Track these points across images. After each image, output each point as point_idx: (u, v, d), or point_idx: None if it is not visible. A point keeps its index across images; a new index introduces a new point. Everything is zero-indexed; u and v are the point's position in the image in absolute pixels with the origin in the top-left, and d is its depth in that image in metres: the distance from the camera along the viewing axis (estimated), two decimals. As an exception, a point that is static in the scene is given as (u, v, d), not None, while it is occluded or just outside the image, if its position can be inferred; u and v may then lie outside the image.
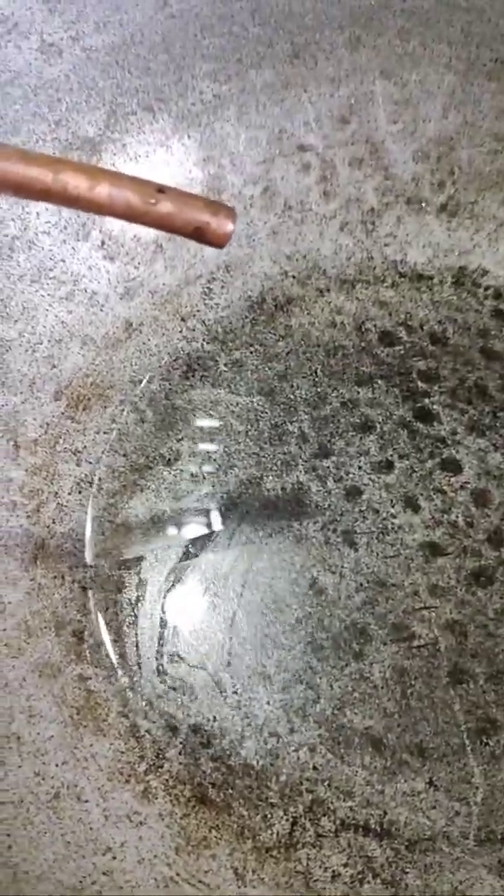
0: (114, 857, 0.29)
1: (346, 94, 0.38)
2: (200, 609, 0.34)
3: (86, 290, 0.37)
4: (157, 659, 0.33)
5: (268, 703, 0.32)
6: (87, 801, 0.30)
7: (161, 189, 0.24)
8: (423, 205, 0.39)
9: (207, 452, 0.36)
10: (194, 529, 0.35)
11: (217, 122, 0.38)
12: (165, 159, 0.37)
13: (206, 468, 0.36)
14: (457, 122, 0.38)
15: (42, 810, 0.29)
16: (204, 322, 0.38)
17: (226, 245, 0.25)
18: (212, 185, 0.38)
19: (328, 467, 0.36)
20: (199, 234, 0.24)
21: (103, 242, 0.37)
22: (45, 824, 0.29)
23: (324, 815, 0.31)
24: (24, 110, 0.35)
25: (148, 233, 0.37)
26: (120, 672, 0.33)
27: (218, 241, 0.25)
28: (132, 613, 0.34)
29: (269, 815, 0.31)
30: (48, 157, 0.23)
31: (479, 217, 0.39)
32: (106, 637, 0.33)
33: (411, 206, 0.39)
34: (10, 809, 0.28)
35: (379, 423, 0.37)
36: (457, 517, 0.35)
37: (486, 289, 0.39)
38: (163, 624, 0.33)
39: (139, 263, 0.38)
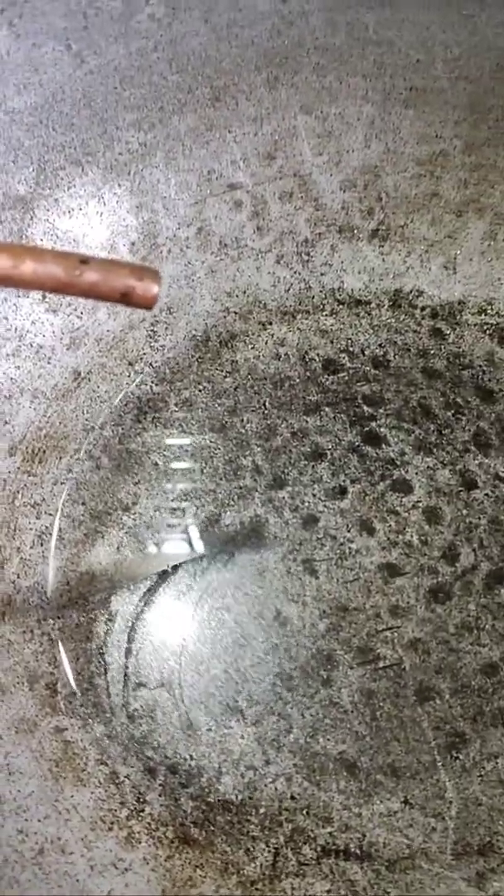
0: (101, 907, 0.29)
1: (270, 132, 0.39)
2: (167, 650, 0.34)
3: (31, 345, 0.38)
4: (127, 705, 0.34)
5: (242, 737, 0.33)
6: (71, 853, 0.30)
7: (84, 260, 0.25)
8: (355, 232, 0.40)
9: (164, 493, 0.37)
10: (157, 571, 0.36)
11: (146, 169, 0.38)
12: (98, 210, 0.38)
13: (164, 509, 0.37)
14: (379, 150, 0.39)
15: (27, 867, 0.29)
16: (151, 364, 0.39)
17: (153, 307, 0.25)
18: (147, 231, 0.39)
19: (283, 498, 0.37)
20: (127, 299, 0.25)
21: (44, 296, 0.38)
22: (31, 881, 0.29)
23: (305, 844, 0.31)
24: (-47, 176, 0.35)
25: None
26: (95, 720, 0.33)
27: (145, 304, 0.25)
28: (101, 661, 0.34)
29: (251, 849, 0.31)
30: (-29, 240, 0.24)
31: (410, 239, 0.40)
32: (77, 687, 0.34)
33: (343, 234, 0.40)
34: (-6, 871, 0.29)
35: (329, 450, 0.38)
36: (411, 536, 0.36)
37: (423, 309, 0.40)
38: (130, 669, 0.34)
39: (82, 313, 0.38)
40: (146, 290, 0.25)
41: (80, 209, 0.38)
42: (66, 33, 0.35)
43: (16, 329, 0.38)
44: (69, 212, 0.38)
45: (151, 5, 0.35)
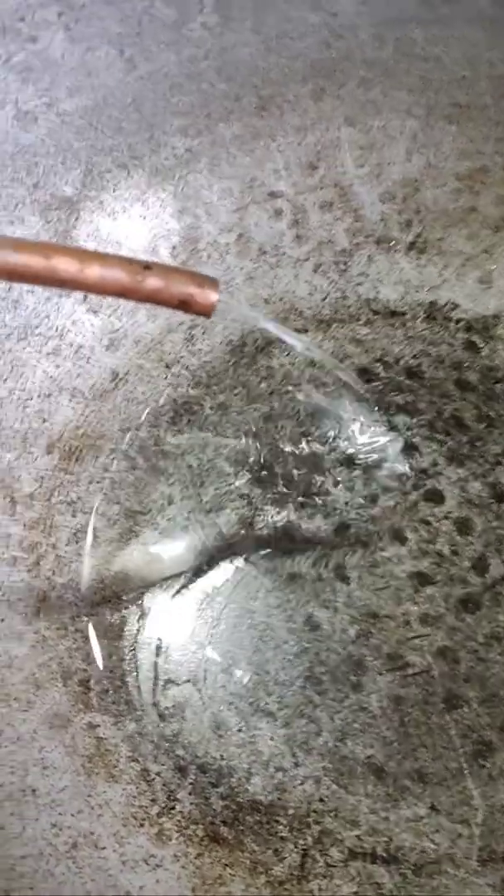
0: (133, 902, 0.30)
1: (313, 142, 0.39)
2: (199, 652, 0.35)
3: (71, 344, 0.38)
4: (158, 703, 0.34)
5: (271, 738, 0.33)
6: (104, 848, 0.31)
7: (148, 266, 0.25)
8: (393, 244, 0.41)
9: (198, 496, 0.37)
10: (190, 571, 0.36)
11: (190, 175, 0.39)
12: (142, 213, 0.39)
13: (198, 511, 0.37)
14: (420, 164, 0.40)
15: (62, 861, 0.30)
16: (188, 368, 0.40)
17: (211, 314, 0.26)
18: (188, 235, 0.39)
19: (316, 504, 0.37)
20: (185, 306, 0.26)
21: (85, 297, 0.38)
22: (65, 874, 0.30)
23: (332, 846, 0.32)
24: (2, 176, 0.36)
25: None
26: (127, 718, 0.34)
27: (204, 311, 0.26)
28: (133, 659, 0.35)
29: (279, 849, 0.32)
30: (40, 243, 0.24)
31: (447, 253, 0.40)
32: (111, 684, 0.34)
33: (381, 246, 0.41)
34: (30, 863, 0.29)
35: (362, 458, 0.38)
36: (442, 546, 0.36)
37: (458, 322, 0.40)
38: (161, 667, 0.35)
39: (122, 314, 0.39)
40: (205, 297, 0.26)
41: (124, 211, 0.38)
42: (120, 39, 0.35)
43: (57, 328, 0.38)
44: (113, 214, 0.38)
45: (204, 14, 0.36)
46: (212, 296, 0.26)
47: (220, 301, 0.26)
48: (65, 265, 0.24)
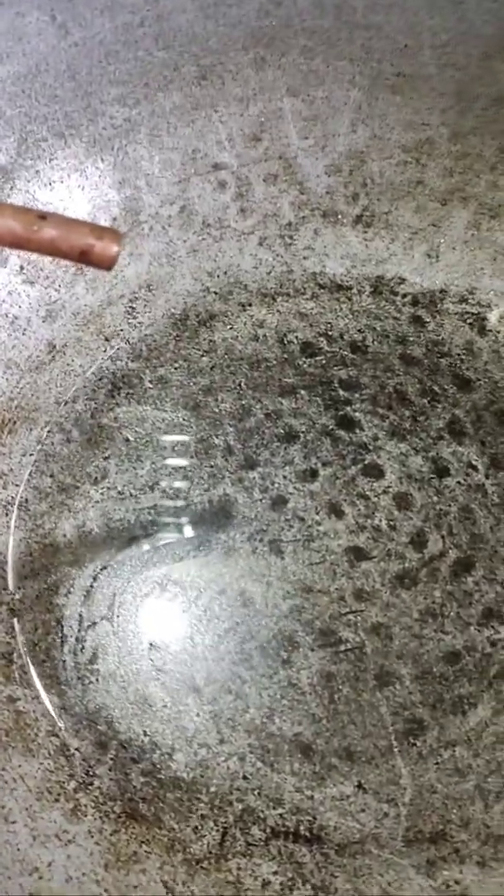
0: (41, 877, 0.29)
1: (256, 113, 0.39)
2: (128, 625, 0.34)
3: (7, 315, 0.38)
4: (83, 678, 0.33)
5: (197, 714, 0.32)
6: (14, 822, 0.30)
7: (43, 216, 0.24)
8: (339, 217, 0.40)
9: (134, 469, 0.37)
10: (122, 546, 0.35)
11: (130, 146, 0.38)
12: (80, 184, 0.38)
13: (133, 485, 0.36)
14: (365, 136, 0.39)
15: (-32, 834, 0.29)
16: (128, 340, 0.39)
17: (112, 267, 0.25)
18: (129, 207, 0.39)
19: (254, 478, 0.36)
20: (86, 258, 0.25)
21: (22, 267, 0.38)
22: (-29, 848, 0.29)
23: (254, 824, 0.31)
24: None
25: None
26: (49, 692, 0.33)
27: (104, 264, 0.25)
28: (60, 633, 0.34)
29: (199, 827, 0.31)
30: None
31: (394, 227, 0.40)
32: (33, 658, 0.33)
33: (327, 219, 0.40)
34: None
35: (302, 432, 0.37)
36: (380, 521, 0.35)
37: (404, 296, 0.40)
38: (88, 642, 0.34)
39: (59, 286, 0.38)
40: (105, 249, 0.25)
41: (62, 181, 0.38)
42: (51, 3, 0.35)
43: (-8, 299, 0.37)
44: (50, 184, 0.38)
45: (139, -21, 0.35)
46: (112, 248, 0.25)
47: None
48: (-44, 212, 0.24)
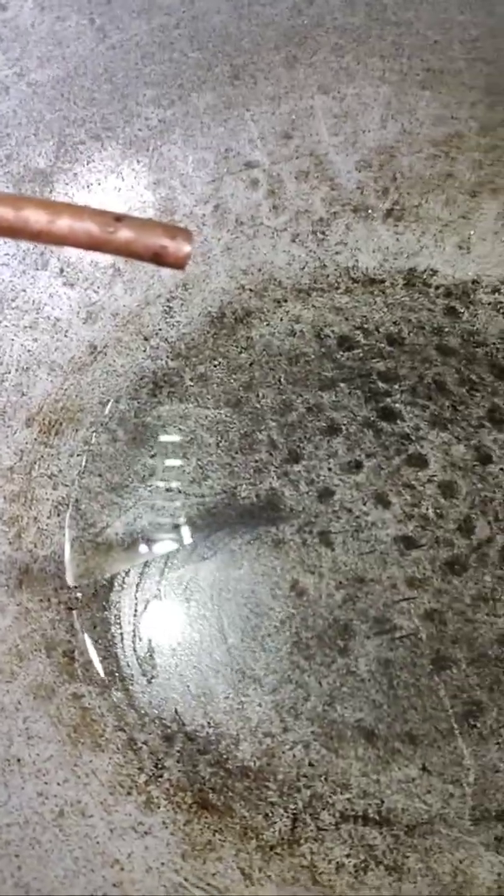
0: (122, 869, 0.29)
1: (287, 111, 0.39)
2: (185, 620, 0.34)
3: (48, 318, 0.38)
4: (145, 673, 0.34)
5: (259, 704, 0.33)
6: (91, 816, 0.30)
7: (119, 218, 0.25)
8: (370, 211, 0.40)
9: (181, 466, 0.37)
10: (173, 542, 0.36)
11: (164, 146, 0.39)
12: (117, 185, 0.38)
13: (181, 482, 0.37)
14: (395, 131, 0.40)
15: (48, 829, 0.29)
16: (167, 340, 0.39)
17: (185, 266, 0.26)
18: (164, 207, 0.39)
19: (299, 471, 0.37)
20: (158, 258, 0.25)
21: (62, 270, 0.38)
22: (52, 842, 0.29)
23: (323, 809, 0.31)
24: (-25, 147, 0.35)
25: (105, 257, 0.38)
26: (113, 688, 0.33)
27: (177, 263, 0.26)
28: (119, 629, 0.34)
29: (270, 814, 0.31)
30: (9, 194, 0.24)
31: (424, 219, 0.40)
32: (95, 655, 0.34)
33: (358, 214, 0.40)
34: (16, 831, 0.29)
35: (344, 425, 0.38)
36: (427, 509, 0.36)
37: (437, 288, 0.40)
38: (147, 637, 0.34)
39: (98, 287, 0.39)
40: (178, 248, 0.26)
41: (99, 184, 0.38)
42: (90, 7, 0.35)
43: (33, 302, 0.38)
44: (88, 186, 0.38)
45: (174, -19, 0.36)
46: (185, 247, 0.25)
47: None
48: (35, 216, 0.24)
